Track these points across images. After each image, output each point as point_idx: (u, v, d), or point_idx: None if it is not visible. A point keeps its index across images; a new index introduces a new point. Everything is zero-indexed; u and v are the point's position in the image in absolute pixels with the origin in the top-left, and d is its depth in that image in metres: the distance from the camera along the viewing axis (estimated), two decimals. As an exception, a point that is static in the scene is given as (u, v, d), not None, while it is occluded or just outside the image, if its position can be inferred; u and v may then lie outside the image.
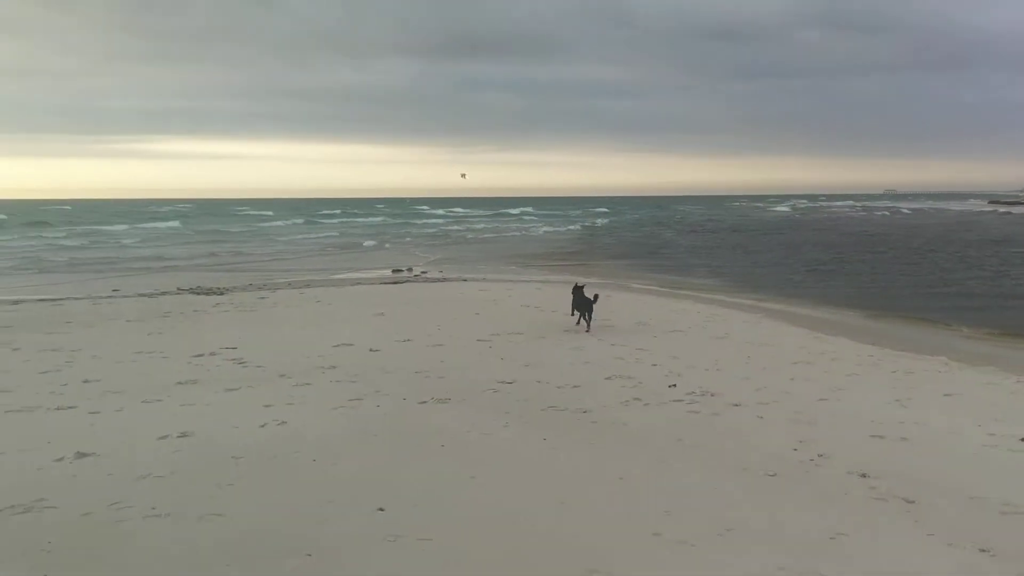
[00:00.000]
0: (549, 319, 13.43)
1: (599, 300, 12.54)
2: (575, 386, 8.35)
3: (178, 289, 19.05)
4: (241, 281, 21.56)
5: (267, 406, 7.37)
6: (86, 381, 8.47)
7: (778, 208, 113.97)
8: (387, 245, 41.20)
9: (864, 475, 5.75)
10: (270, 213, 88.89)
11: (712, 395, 8.10)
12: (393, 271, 24.18)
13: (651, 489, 5.44)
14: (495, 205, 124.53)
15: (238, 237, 48.38)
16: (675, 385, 8.53)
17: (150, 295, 17.63)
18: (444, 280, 21.22)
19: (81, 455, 5.91)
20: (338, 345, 10.68)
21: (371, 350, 10.38)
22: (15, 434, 6.53)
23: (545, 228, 60.31)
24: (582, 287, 12.91)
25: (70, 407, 7.37)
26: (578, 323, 12.51)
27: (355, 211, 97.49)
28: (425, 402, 7.60)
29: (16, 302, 16.45)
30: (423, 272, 23.69)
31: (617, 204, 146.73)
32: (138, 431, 6.55)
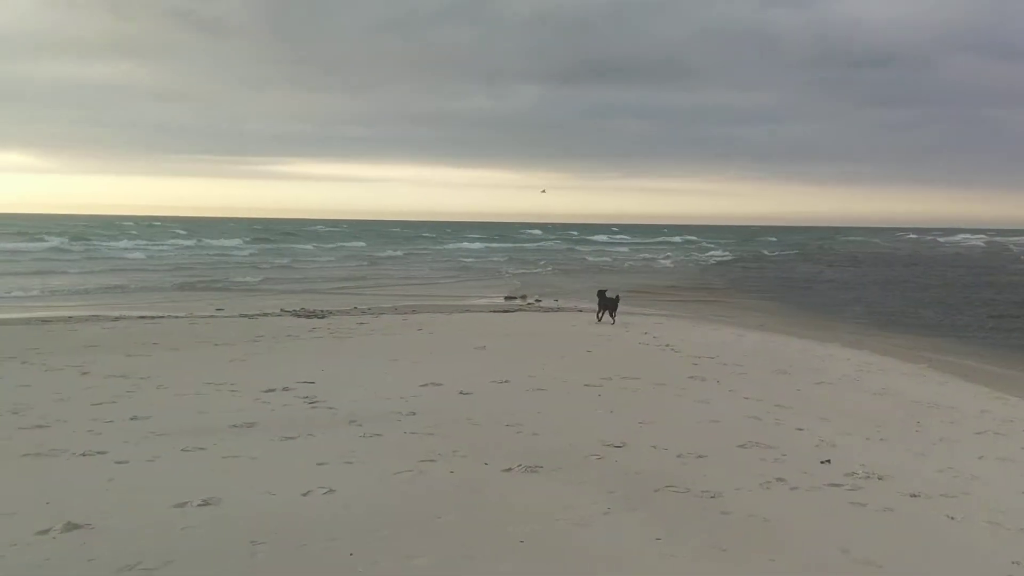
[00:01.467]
0: (671, 361, 11.78)
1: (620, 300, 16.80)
2: (700, 456, 6.69)
3: (281, 311, 18.36)
4: (348, 303, 20.78)
5: (320, 464, 6.07)
6: (133, 418, 7.42)
7: (937, 240, 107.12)
8: (505, 271, 40.22)
9: None
10: (397, 230, 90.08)
11: (880, 478, 6.29)
12: (505, 298, 22.92)
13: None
14: (614, 232, 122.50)
15: (361, 257, 48.58)
16: (829, 461, 6.75)
17: (250, 316, 16.93)
18: (558, 310, 19.78)
19: (71, 527, 4.73)
20: (426, 384, 9.38)
21: (461, 393, 9.01)
22: (14, 490, 5.45)
23: (673, 257, 58.10)
24: (605, 291, 17.25)
25: (99, 452, 6.27)
26: (600, 320, 16.83)
27: (472, 236, 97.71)
28: (510, 470, 6.12)
29: (116, 319, 16.04)
30: (537, 300, 22.33)
31: (751, 234, 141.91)
32: (157, 493, 5.34)
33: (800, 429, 7.89)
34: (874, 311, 23.08)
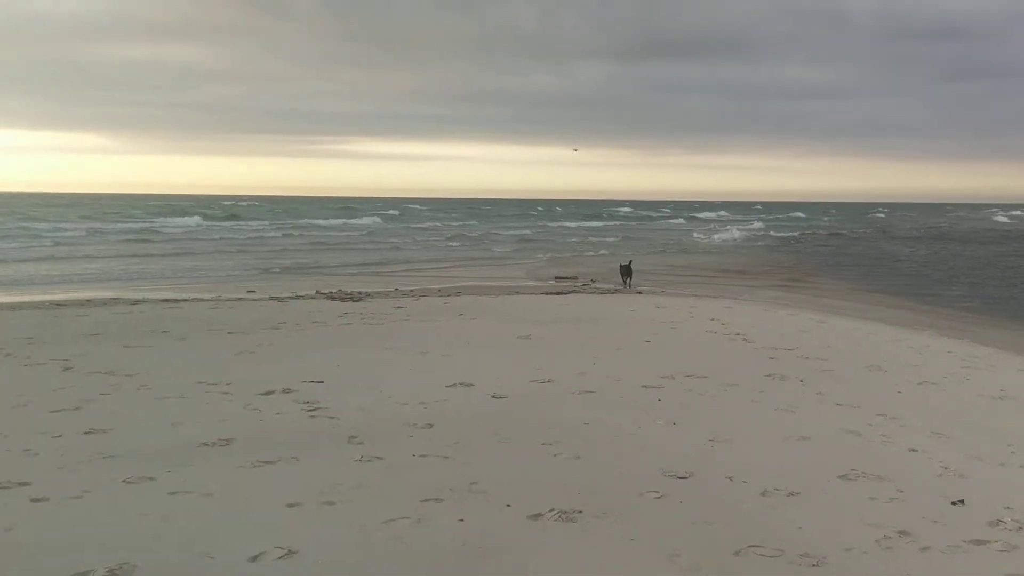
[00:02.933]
0: (743, 354, 10.13)
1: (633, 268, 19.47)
2: (791, 493, 5.11)
3: (316, 292, 17.13)
4: (391, 284, 19.49)
5: (291, 506, 4.68)
6: (88, 432, 6.13)
7: (1002, 218, 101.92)
8: (556, 251, 38.66)
9: None
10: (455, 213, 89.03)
11: (1041, 532, 4.65)
12: (556, 279, 21.36)
13: None
14: (684, 209, 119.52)
15: (421, 236, 47.49)
16: (963, 501, 5.12)
17: (281, 299, 15.70)
18: (615, 291, 18.15)
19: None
20: (454, 385, 7.94)
21: (493, 396, 7.54)
22: None
23: (740, 234, 55.64)
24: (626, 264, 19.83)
25: (20, 484, 4.97)
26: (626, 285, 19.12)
27: (534, 212, 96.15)
28: (539, 516, 4.64)
29: (136, 302, 14.97)
30: (592, 281, 20.72)
31: (819, 209, 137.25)
32: (52, 556, 4.00)
33: (914, 450, 6.23)
34: (972, 294, 20.73)
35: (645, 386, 8.08)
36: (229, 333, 11.34)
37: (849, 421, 6.96)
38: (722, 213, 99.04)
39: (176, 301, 15.40)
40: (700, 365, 9.22)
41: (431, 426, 6.46)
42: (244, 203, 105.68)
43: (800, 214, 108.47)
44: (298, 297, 16.24)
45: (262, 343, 10.55)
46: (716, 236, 51.06)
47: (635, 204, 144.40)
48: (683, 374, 8.68)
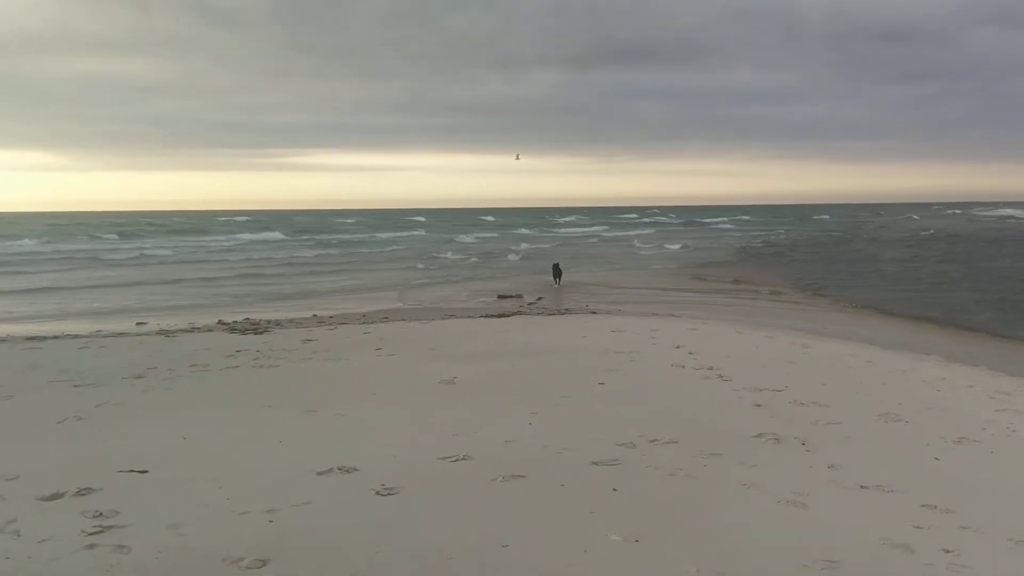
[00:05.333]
0: (720, 399, 8.00)
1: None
2: None
3: (218, 323, 14.73)
4: (309, 309, 17.13)
5: None
6: None
7: (977, 214, 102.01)
8: (513, 258, 36.47)
9: None
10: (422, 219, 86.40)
11: None
12: (499, 296, 19.13)
13: None
14: (638, 213, 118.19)
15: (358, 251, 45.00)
16: None
17: (170, 334, 13.27)
18: (566, 312, 15.97)
19: None
20: (329, 471, 5.68)
21: (380, 492, 5.29)
22: None
23: (702, 240, 53.89)
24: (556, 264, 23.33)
25: None
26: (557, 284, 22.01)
27: (483, 221, 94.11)
28: None
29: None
30: (538, 299, 18.52)
31: (776, 213, 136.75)
32: None
33: (963, 566, 4.11)
34: (975, 304, 18.54)
35: (596, 463, 5.88)
36: (75, 386, 8.94)
37: (889, 522, 4.82)
38: (672, 217, 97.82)
39: (43, 339, 12.89)
40: (669, 421, 7.06)
41: (263, 564, 4.19)
42: (219, 218, 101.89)
43: (746, 217, 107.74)
44: (193, 330, 13.83)
45: (108, 401, 8.17)
46: (667, 245, 48.90)
47: (589, 212, 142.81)
48: (647, 438, 6.50)
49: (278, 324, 14.25)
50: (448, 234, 67.19)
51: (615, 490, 5.32)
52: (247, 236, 60.94)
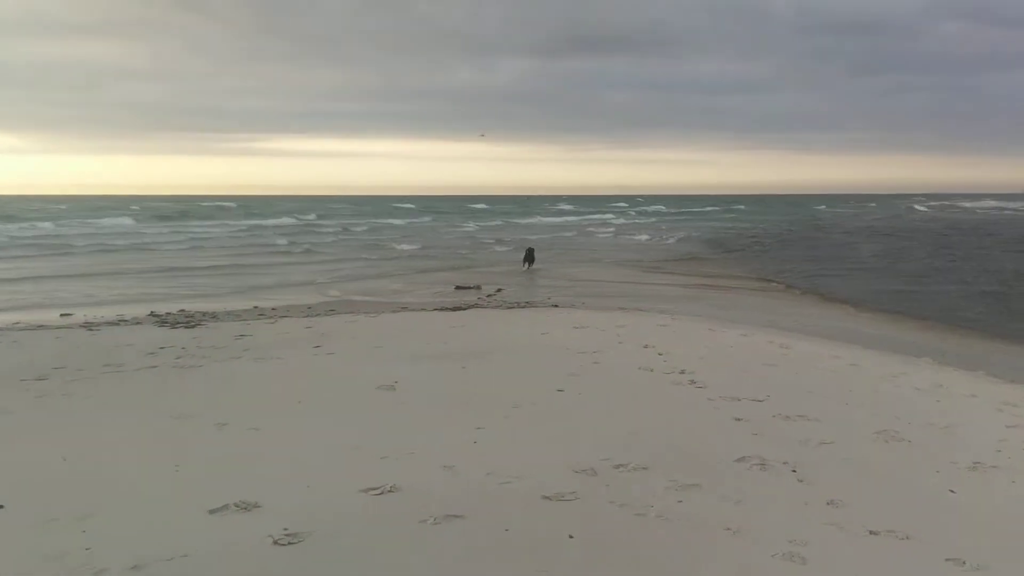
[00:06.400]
0: (694, 409, 7.05)
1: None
2: None
3: (151, 314, 13.54)
4: (259, 300, 15.95)
5: None
6: None
7: (922, 208, 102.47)
8: (471, 244, 35.36)
9: None
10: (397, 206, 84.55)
11: None
12: (456, 287, 18.05)
13: None
14: (607, 203, 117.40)
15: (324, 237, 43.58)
16: None
17: (94, 327, 12.06)
18: (526, 305, 14.96)
19: None
20: (223, 508, 4.63)
21: (279, 540, 4.24)
22: None
23: (667, 230, 53.00)
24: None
25: None
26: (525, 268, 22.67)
27: (442, 209, 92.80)
28: None
29: None
30: (497, 290, 17.47)
31: (747, 202, 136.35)
32: None
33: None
34: (959, 299, 17.60)
35: (548, 497, 4.88)
36: (-41, 390, 7.77)
37: (909, 582, 3.87)
38: (641, 205, 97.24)
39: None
40: (636, 439, 6.09)
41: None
42: (192, 203, 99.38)
43: (716, 207, 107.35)
44: (120, 323, 12.63)
45: (-12, 410, 7.03)
46: (636, 235, 47.80)
47: (557, 200, 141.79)
48: (611, 463, 5.52)
49: (214, 317, 13.08)
50: (403, 219, 65.85)
51: (571, 537, 4.33)
52: (207, 222, 59.21)
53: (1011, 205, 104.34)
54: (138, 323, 12.53)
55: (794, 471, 5.51)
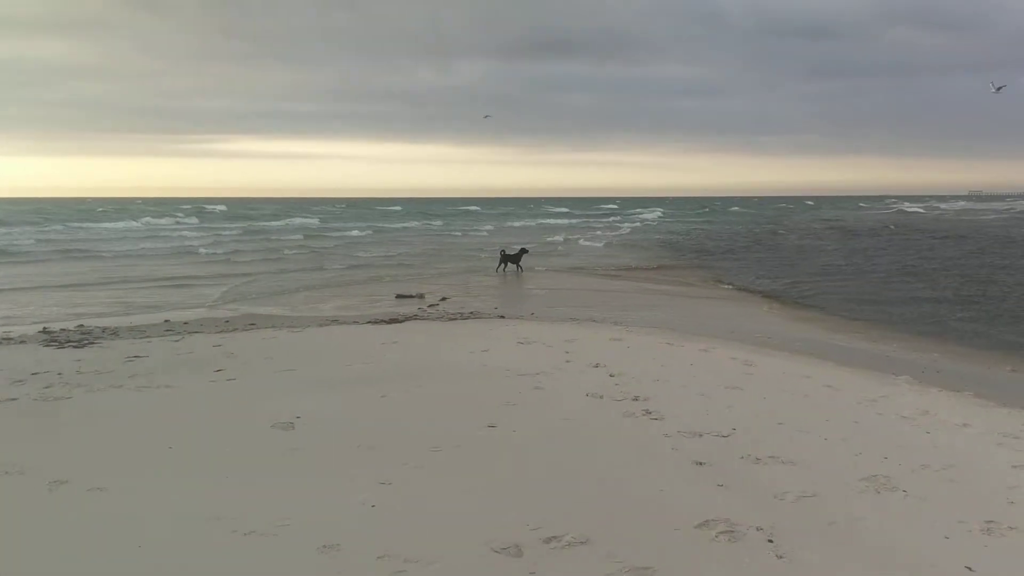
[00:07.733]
0: (652, 451, 5.87)
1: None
2: None
3: (43, 330, 12.05)
4: (173, 313, 14.49)
5: None
6: None
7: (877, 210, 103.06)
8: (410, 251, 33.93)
9: None
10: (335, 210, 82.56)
11: None
12: (397, 296, 16.72)
13: None
14: (568, 206, 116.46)
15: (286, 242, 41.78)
16: None
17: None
18: (470, 316, 13.69)
19: None
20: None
21: None
22: None
23: (625, 233, 51.89)
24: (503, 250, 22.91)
25: None
26: (498, 271, 22.06)
27: (390, 213, 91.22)
28: None
29: None
30: (442, 300, 16.18)
31: (704, 205, 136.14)
32: None
33: None
34: (927, 303, 16.49)
35: (453, 597, 3.64)
36: None
37: None
38: (596, 208, 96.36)
39: None
40: (575, 498, 4.89)
41: None
42: (139, 205, 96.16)
43: (673, 209, 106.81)
44: (3, 341, 11.13)
45: None
46: (592, 239, 46.28)
47: (516, 203, 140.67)
48: (541, 535, 4.31)
49: (114, 333, 11.64)
50: (353, 223, 64.12)
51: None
52: (152, 223, 57.09)
53: (946, 206, 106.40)
54: (23, 342, 11.05)
55: (770, 541, 4.34)
